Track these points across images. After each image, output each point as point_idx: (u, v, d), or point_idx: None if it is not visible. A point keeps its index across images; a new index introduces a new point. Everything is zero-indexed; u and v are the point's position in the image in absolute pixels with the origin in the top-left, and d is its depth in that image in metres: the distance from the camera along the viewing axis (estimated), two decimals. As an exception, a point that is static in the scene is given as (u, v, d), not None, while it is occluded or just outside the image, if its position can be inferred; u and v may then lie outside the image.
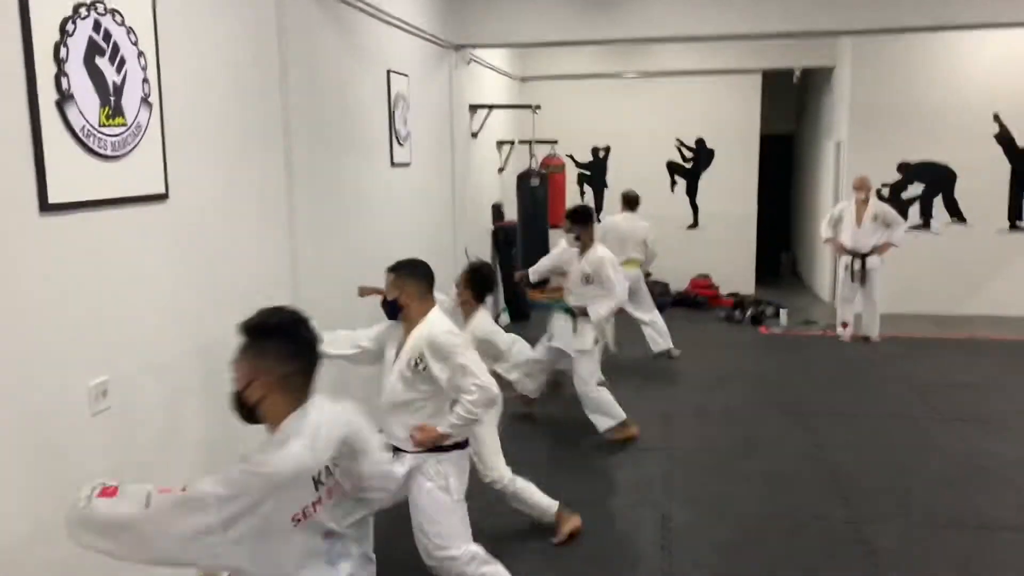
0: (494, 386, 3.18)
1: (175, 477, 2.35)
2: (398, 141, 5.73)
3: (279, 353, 2.02)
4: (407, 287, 3.26)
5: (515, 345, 3.98)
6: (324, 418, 2.06)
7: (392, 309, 3.31)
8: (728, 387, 6.78)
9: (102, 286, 2.77)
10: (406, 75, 5.84)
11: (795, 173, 12.66)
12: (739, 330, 8.92)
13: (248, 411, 2.05)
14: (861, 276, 8.01)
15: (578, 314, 5.49)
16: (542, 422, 5.90)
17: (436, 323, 3.23)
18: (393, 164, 5.67)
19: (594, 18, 6.88)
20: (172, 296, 3.15)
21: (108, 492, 1.91)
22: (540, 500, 4.12)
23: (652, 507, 4.55)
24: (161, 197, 3.05)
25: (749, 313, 9.22)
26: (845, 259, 8.15)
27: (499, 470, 4.03)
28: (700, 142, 10.53)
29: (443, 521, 3.28)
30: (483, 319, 4.06)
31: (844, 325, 8.31)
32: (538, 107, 8.28)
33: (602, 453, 5.34)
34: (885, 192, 9.27)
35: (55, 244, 2.55)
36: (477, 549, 3.34)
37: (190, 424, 3.26)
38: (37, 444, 2.52)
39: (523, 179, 8.19)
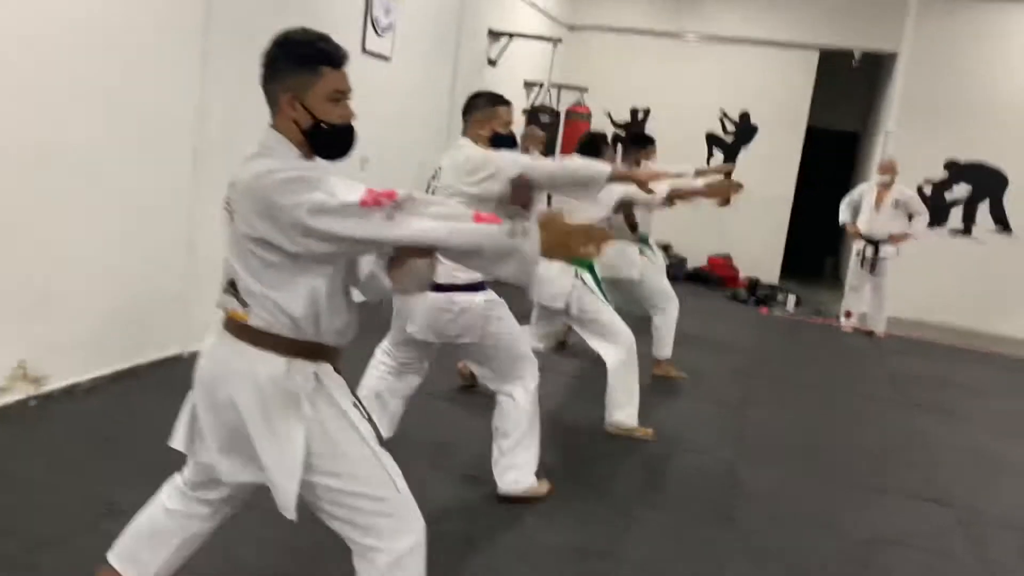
0: None
1: None
2: (374, 29, 5.61)
3: None
4: None
5: None
6: None
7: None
8: (696, 349, 6.42)
9: None
10: (394, -37, 5.71)
11: (854, 179, 11.99)
12: (740, 309, 8.47)
13: None
14: (872, 264, 7.41)
15: None
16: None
17: None
18: (364, 51, 5.55)
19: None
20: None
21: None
22: None
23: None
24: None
25: (755, 295, 8.78)
26: (858, 245, 7.58)
27: None
28: (744, 116, 10.02)
29: None
30: None
31: (848, 315, 7.78)
32: (559, 40, 7.99)
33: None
34: (927, 190, 8.66)
35: None
36: None
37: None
38: None
39: (531, 114, 7.86)
